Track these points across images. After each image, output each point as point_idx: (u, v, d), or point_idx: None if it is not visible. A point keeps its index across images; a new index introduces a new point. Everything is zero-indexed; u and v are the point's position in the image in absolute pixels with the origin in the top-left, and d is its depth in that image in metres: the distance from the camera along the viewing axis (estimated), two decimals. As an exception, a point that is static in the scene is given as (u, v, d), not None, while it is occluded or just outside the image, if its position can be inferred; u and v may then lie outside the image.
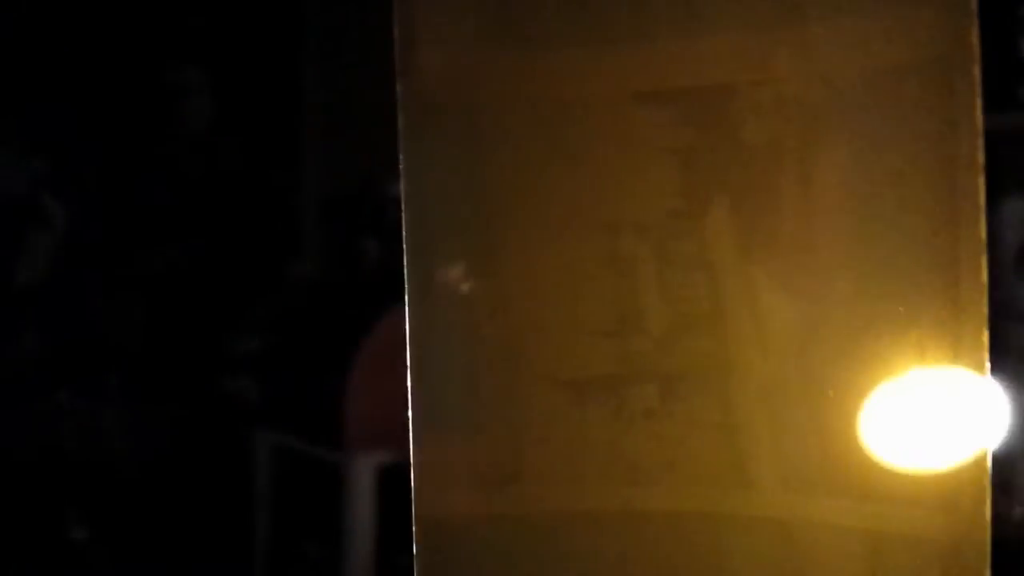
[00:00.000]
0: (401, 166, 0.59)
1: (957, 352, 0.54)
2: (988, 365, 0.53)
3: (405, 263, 0.60)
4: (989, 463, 0.54)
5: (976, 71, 0.52)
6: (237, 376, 2.85)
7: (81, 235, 2.77)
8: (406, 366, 0.60)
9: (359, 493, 2.40)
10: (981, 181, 0.53)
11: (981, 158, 0.53)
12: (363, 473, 2.40)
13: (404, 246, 0.60)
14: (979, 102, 0.52)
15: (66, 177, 2.78)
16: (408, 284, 0.60)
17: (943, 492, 0.54)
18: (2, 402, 2.57)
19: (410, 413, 0.60)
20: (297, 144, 3.10)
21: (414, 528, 0.60)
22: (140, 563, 2.66)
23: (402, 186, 0.59)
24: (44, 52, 2.68)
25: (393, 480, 2.30)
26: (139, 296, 2.81)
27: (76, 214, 2.77)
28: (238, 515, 2.68)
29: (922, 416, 0.55)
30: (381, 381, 2.25)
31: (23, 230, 2.70)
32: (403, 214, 0.60)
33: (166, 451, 2.71)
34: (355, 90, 2.89)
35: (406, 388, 0.59)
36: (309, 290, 2.96)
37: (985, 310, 0.53)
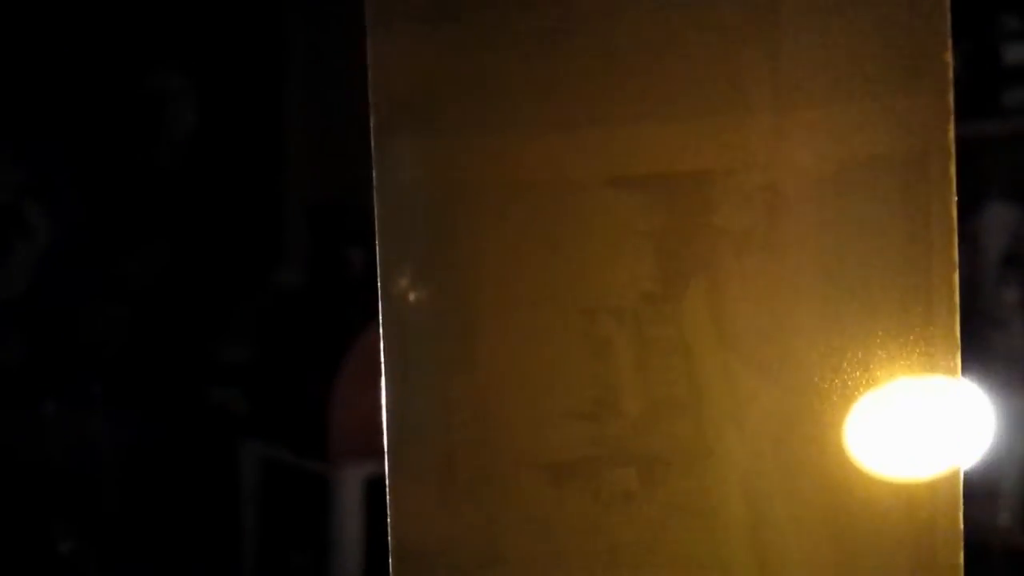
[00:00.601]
0: (377, 252, 0.59)
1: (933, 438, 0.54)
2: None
3: (381, 344, 0.60)
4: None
5: (952, 165, 0.52)
6: (224, 386, 2.85)
7: (65, 244, 2.76)
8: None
9: (346, 504, 2.41)
10: (955, 277, 0.53)
11: (955, 254, 0.53)
12: (350, 484, 2.40)
13: (380, 328, 0.60)
14: (954, 195, 0.53)
15: (49, 185, 2.77)
16: (384, 370, 0.60)
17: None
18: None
19: (388, 499, 0.60)
20: (282, 152, 3.10)
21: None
22: (125, 572, 2.65)
23: (378, 270, 0.59)
24: (26, 59, 2.67)
25: (380, 491, 2.31)
26: (124, 306, 2.80)
27: (59, 222, 2.76)
28: (225, 526, 2.68)
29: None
30: (367, 391, 2.25)
31: (6, 239, 2.69)
32: (379, 298, 0.60)
33: (153, 461, 2.71)
34: (341, 97, 2.89)
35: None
36: (294, 299, 2.95)
37: (960, 412, 0.53)
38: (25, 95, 2.71)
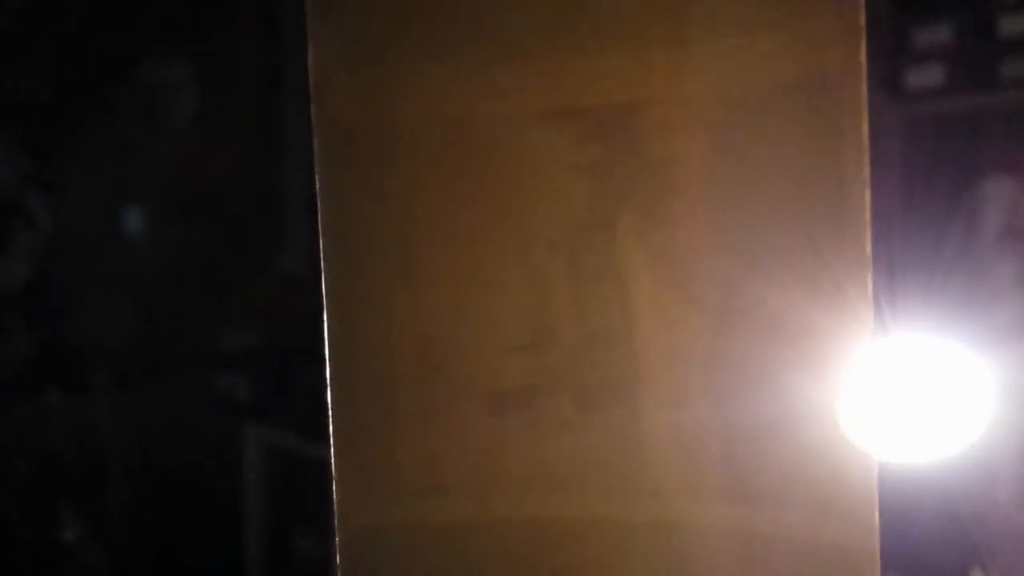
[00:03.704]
0: (317, 187, 0.61)
1: (848, 356, 0.56)
2: (879, 372, 0.55)
3: (323, 280, 0.61)
4: (876, 470, 0.56)
5: (863, 87, 0.54)
6: (226, 372, 2.87)
7: (66, 233, 2.78)
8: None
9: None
10: (867, 194, 0.55)
11: (867, 171, 0.54)
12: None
13: (322, 264, 0.61)
14: (865, 116, 0.54)
15: (50, 175, 2.79)
16: (326, 300, 0.61)
17: (832, 496, 0.56)
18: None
19: (330, 425, 0.62)
20: (282, 138, 3.11)
21: (336, 538, 0.62)
22: (131, 560, 2.67)
23: (319, 205, 0.61)
24: (26, 50, 2.69)
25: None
26: (126, 294, 2.82)
27: (61, 212, 2.78)
28: (229, 511, 2.69)
29: (814, 421, 0.57)
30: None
31: (10, 230, 2.71)
32: (320, 234, 0.61)
33: (156, 448, 2.72)
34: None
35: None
36: (297, 285, 2.97)
37: (871, 319, 0.55)
38: (25, 86, 2.73)
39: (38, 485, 2.61)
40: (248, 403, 2.81)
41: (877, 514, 0.55)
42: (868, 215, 0.54)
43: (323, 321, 0.59)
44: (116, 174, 2.88)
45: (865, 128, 0.54)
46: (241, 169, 2.99)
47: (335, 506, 0.62)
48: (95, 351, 2.78)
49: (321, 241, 0.61)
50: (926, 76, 2.37)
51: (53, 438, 2.65)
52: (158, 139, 2.93)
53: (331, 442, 0.62)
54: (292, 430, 2.65)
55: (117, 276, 2.82)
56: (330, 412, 0.62)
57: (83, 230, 2.84)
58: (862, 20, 0.54)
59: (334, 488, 0.62)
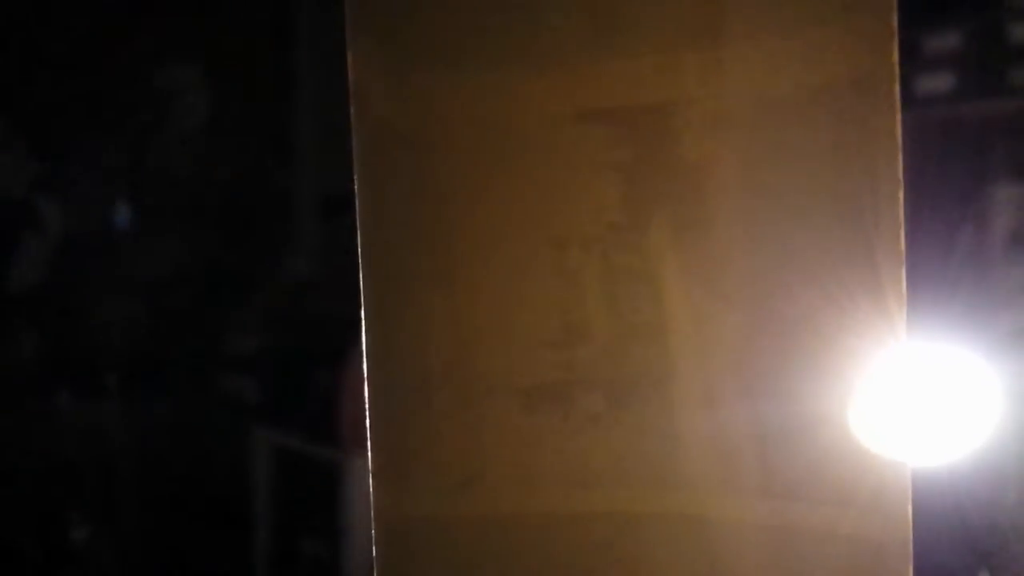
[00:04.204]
0: (355, 185, 0.62)
1: (883, 355, 0.57)
2: (912, 369, 0.56)
3: (361, 277, 0.62)
4: (910, 466, 0.57)
5: (895, 88, 0.55)
6: (235, 375, 2.87)
7: (76, 236, 2.79)
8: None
9: (358, 491, 2.43)
10: (900, 193, 0.56)
11: (900, 171, 0.55)
12: (362, 471, 2.42)
13: (360, 261, 0.62)
14: (898, 117, 0.55)
15: (60, 179, 2.80)
16: (364, 298, 0.62)
17: (865, 492, 0.57)
18: (1, 405, 2.59)
19: (368, 421, 0.63)
20: (293, 142, 3.12)
21: (374, 531, 0.63)
22: (140, 561, 2.68)
23: (357, 205, 0.62)
24: (36, 53, 2.70)
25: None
26: (136, 297, 2.83)
27: (71, 215, 2.79)
28: (236, 514, 2.70)
29: (850, 417, 0.58)
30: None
31: (18, 233, 2.72)
32: (358, 232, 0.62)
33: (165, 450, 2.73)
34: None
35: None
36: (306, 288, 2.97)
37: (904, 316, 0.56)
38: (36, 89, 2.74)
39: (47, 486, 2.61)
40: (257, 406, 2.82)
41: (910, 508, 0.56)
42: (901, 214, 0.55)
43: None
44: (125, 177, 2.89)
45: (898, 129, 0.55)
46: (251, 172, 3.00)
47: (372, 499, 0.63)
48: (104, 353, 2.79)
49: (359, 240, 0.62)
50: (935, 82, 2.38)
51: (62, 440, 2.66)
52: (167, 142, 2.94)
53: (368, 438, 0.63)
54: (301, 433, 2.65)
55: (126, 279, 2.82)
56: (367, 408, 0.63)
57: (92, 233, 2.84)
58: (895, 22, 0.55)
59: (370, 482, 0.63)
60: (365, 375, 0.62)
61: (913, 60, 2.38)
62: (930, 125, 2.42)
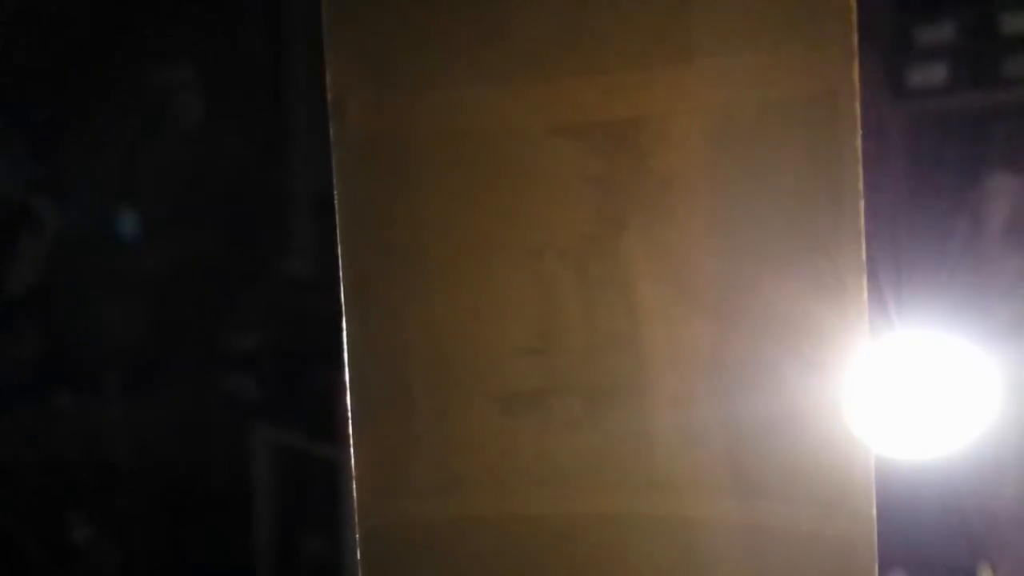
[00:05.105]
0: (336, 196, 0.63)
1: (850, 354, 0.59)
2: (874, 371, 0.58)
3: (342, 286, 0.64)
4: (872, 463, 0.58)
5: (856, 105, 0.57)
6: (235, 374, 2.88)
7: (74, 236, 2.80)
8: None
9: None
10: (861, 205, 0.57)
11: (860, 185, 0.57)
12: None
13: (340, 271, 0.64)
14: (859, 132, 0.57)
15: (57, 179, 2.81)
16: (345, 307, 0.64)
17: (833, 491, 0.58)
18: (1, 405, 2.61)
19: (349, 427, 0.64)
20: (289, 140, 3.13)
21: (357, 535, 0.64)
22: (141, 561, 2.70)
23: (337, 214, 0.64)
24: (31, 54, 2.71)
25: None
26: (134, 296, 2.84)
27: (68, 215, 2.80)
28: (237, 512, 2.71)
29: (817, 418, 0.59)
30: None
31: (15, 234, 2.73)
32: (339, 242, 0.64)
33: (165, 449, 2.74)
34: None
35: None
36: (304, 286, 2.98)
37: (866, 322, 0.58)
38: (32, 90, 2.75)
39: (47, 487, 2.63)
40: (256, 404, 2.83)
41: (874, 508, 0.58)
42: (862, 224, 0.57)
43: (341, 325, 0.62)
44: (122, 177, 2.90)
45: (859, 141, 0.57)
46: (248, 171, 3.01)
47: (355, 504, 0.65)
48: (103, 353, 2.80)
49: (339, 249, 0.64)
50: (928, 74, 2.39)
51: (62, 440, 2.67)
52: (164, 141, 2.95)
53: (350, 442, 0.64)
54: (300, 431, 2.67)
55: (124, 278, 2.84)
56: (349, 413, 0.64)
57: (90, 233, 2.86)
58: (854, 42, 0.57)
59: (353, 486, 0.65)
60: (347, 382, 0.64)
61: (906, 53, 2.39)
62: (924, 117, 2.43)
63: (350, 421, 0.65)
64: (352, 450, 0.65)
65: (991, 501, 2.18)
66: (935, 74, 2.40)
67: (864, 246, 0.56)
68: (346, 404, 0.65)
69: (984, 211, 2.50)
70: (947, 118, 2.43)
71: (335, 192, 0.64)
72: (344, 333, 0.64)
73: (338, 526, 2.51)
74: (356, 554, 0.65)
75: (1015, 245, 2.46)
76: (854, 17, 0.57)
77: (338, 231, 0.64)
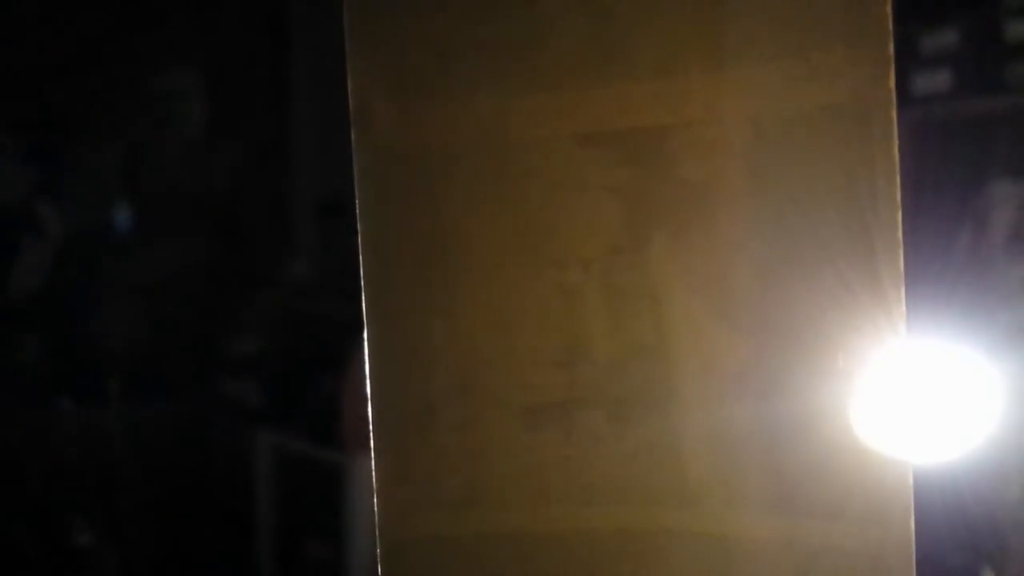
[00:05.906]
0: (357, 208, 0.62)
1: (879, 366, 0.58)
2: (914, 372, 0.57)
3: (364, 299, 0.63)
4: (911, 477, 0.57)
5: (892, 112, 0.56)
6: (237, 378, 2.88)
7: (77, 241, 2.80)
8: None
9: (361, 494, 2.44)
10: (898, 216, 0.56)
11: (897, 194, 0.56)
12: (365, 473, 2.42)
13: (363, 283, 0.63)
14: (895, 140, 0.56)
15: (61, 184, 2.81)
16: (367, 320, 0.63)
17: (869, 505, 0.58)
18: (3, 409, 2.60)
19: (372, 439, 0.63)
20: (292, 145, 3.12)
21: (378, 550, 0.63)
22: (143, 565, 2.69)
23: (359, 225, 0.63)
24: (35, 59, 2.71)
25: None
26: (138, 300, 2.84)
27: (71, 220, 2.79)
28: (240, 517, 2.71)
29: (848, 431, 0.58)
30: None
31: (18, 238, 2.73)
32: (361, 253, 0.63)
33: (167, 454, 2.74)
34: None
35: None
36: (306, 291, 2.98)
37: (904, 332, 0.57)
38: (36, 95, 2.75)
39: (50, 491, 2.62)
40: (259, 409, 2.83)
41: (912, 522, 0.57)
42: (900, 234, 0.56)
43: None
44: (125, 182, 2.89)
45: (895, 151, 0.56)
46: (251, 176, 3.01)
47: (376, 517, 0.64)
48: (105, 358, 2.79)
49: (361, 260, 0.63)
50: (933, 80, 2.39)
51: (64, 445, 2.66)
52: (167, 147, 2.95)
53: (372, 456, 0.63)
54: (303, 436, 2.66)
55: (126, 284, 2.83)
56: (371, 427, 0.63)
57: (92, 238, 2.85)
58: (890, 50, 0.56)
59: (375, 501, 0.64)
60: (369, 394, 0.63)
61: (911, 59, 2.39)
62: (928, 123, 2.42)
63: (372, 434, 0.64)
64: (374, 463, 0.64)
65: (994, 506, 2.17)
66: (940, 81, 2.40)
67: (902, 259, 0.56)
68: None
69: (988, 218, 2.49)
70: (952, 124, 2.43)
71: (356, 201, 0.63)
72: (365, 345, 0.63)
73: (340, 531, 2.50)
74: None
75: (1019, 251, 2.45)
76: (890, 24, 0.56)
77: (360, 241, 0.63)
